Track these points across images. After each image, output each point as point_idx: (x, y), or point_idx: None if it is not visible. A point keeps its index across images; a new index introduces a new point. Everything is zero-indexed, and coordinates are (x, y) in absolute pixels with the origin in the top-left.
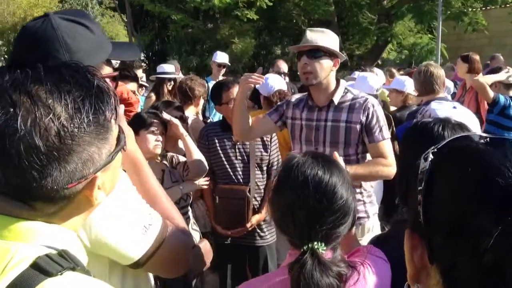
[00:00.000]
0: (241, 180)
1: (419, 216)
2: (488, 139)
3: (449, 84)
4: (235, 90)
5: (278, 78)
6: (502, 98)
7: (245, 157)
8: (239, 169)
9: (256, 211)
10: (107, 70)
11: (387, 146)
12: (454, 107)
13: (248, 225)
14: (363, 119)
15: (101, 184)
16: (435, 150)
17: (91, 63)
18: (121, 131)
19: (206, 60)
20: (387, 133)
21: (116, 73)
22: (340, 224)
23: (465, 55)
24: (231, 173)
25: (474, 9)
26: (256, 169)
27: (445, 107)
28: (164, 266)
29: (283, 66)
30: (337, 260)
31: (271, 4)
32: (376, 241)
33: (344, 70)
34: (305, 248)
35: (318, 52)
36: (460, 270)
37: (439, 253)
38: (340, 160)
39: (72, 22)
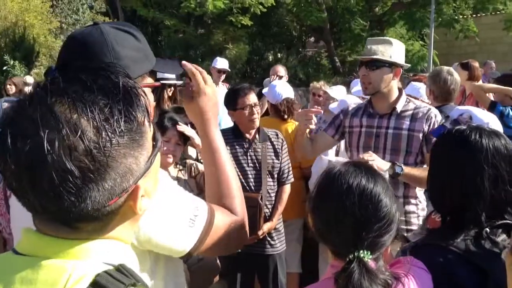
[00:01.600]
0: (252, 187)
1: None
2: None
3: None
4: (251, 96)
5: (286, 86)
6: (500, 106)
7: (257, 164)
8: (250, 176)
9: (267, 219)
10: (149, 81)
11: None
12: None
13: (260, 232)
14: (426, 128)
15: (144, 191)
16: None
17: (136, 72)
18: (155, 130)
19: (200, 65)
20: None
21: (158, 83)
22: (385, 232)
23: (465, 62)
24: (243, 180)
25: (465, 16)
26: (267, 176)
27: (482, 112)
28: (217, 249)
29: (282, 71)
30: (381, 269)
31: (265, 10)
32: (414, 250)
33: (338, 76)
34: (351, 257)
35: (376, 63)
36: None
37: None
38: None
39: (120, 30)
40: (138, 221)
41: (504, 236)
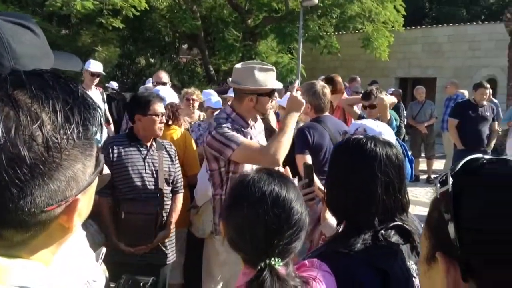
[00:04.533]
0: (149, 194)
1: (449, 238)
2: (493, 159)
3: None
4: (162, 105)
5: (170, 91)
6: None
7: (154, 171)
8: (147, 183)
9: (162, 228)
10: None
11: None
12: (377, 125)
13: (155, 241)
14: None
15: (79, 209)
16: (452, 173)
17: None
18: (99, 150)
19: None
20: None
21: None
22: (296, 239)
23: (330, 77)
24: (140, 187)
25: (329, 33)
26: (164, 184)
27: (375, 124)
28: None
29: (165, 77)
30: (291, 275)
31: (137, 13)
32: (320, 255)
33: (212, 84)
34: (262, 264)
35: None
36: (506, 282)
37: (481, 268)
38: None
39: (17, 24)
40: (60, 247)
41: (396, 237)
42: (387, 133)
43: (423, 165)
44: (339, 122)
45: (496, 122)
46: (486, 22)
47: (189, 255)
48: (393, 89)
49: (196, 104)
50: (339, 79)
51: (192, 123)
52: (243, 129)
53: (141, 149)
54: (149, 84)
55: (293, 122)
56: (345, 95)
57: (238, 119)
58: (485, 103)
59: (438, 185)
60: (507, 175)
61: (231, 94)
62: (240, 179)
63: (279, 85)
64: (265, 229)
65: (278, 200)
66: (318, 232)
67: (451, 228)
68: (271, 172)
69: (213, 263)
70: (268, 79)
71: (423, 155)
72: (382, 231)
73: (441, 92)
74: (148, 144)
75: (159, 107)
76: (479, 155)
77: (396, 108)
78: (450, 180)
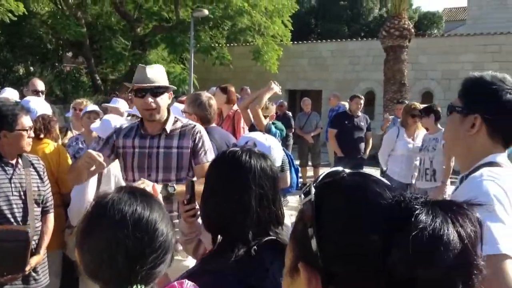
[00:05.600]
0: (19, 219)
1: (311, 249)
2: (350, 172)
3: None
4: (29, 118)
5: (40, 101)
6: (272, 127)
7: (22, 192)
8: (15, 206)
9: (34, 252)
10: None
11: None
12: (266, 138)
13: (27, 268)
14: (191, 143)
15: None
16: (314, 184)
17: None
18: None
19: None
20: (211, 157)
21: None
22: (161, 262)
23: (224, 86)
24: (7, 212)
25: (221, 45)
26: (34, 205)
27: (264, 137)
28: None
29: (40, 85)
30: None
31: (15, 19)
32: (192, 275)
33: (99, 94)
34: None
35: (160, 89)
36: None
37: (341, 278)
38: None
39: None
40: None
41: (269, 251)
42: (276, 147)
43: (310, 173)
44: (226, 134)
45: (370, 132)
46: (365, 39)
47: (65, 278)
48: (280, 101)
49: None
50: (233, 89)
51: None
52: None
53: (6, 168)
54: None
55: None
56: (235, 107)
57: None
58: (359, 113)
59: (302, 196)
60: (363, 189)
61: (113, 103)
62: (97, 199)
63: (148, 82)
64: (126, 255)
65: (141, 222)
66: (203, 248)
67: (313, 239)
68: (133, 191)
69: (91, 286)
70: (138, 77)
71: (310, 163)
72: (255, 247)
73: (326, 104)
74: (14, 161)
75: (27, 121)
76: (339, 168)
77: (285, 118)
78: (313, 191)
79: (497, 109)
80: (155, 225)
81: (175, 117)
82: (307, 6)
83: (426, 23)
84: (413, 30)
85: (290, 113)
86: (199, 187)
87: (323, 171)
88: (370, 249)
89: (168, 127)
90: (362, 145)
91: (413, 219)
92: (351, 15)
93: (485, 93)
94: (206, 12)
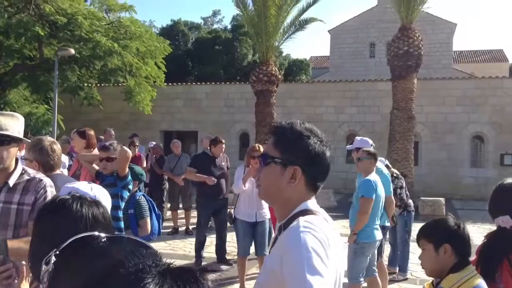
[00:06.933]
0: None
1: None
2: (107, 237)
3: (64, 158)
4: None
5: None
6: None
7: None
8: None
9: None
10: None
11: None
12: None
13: None
14: (33, 199)
15: None
16: (58, 252)
17: None
18: None
19: None
20: None
21: None
22: None
23: (82, 131)
24: None
25: (90, 85)
26: None
27: (89, 187)
28: None
29: None
30: None
31: None
32: None
33: None
34: None
35: (7, 137)
36: None
37: None
38: None
39: None
40: None
41: None
42: (102, 195)
43: (182, 215)
44: (72, 181)
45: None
46: (238, 83)
47: None
48: (154, 143)
49: None
50: (92, 132)
51: None
52: None
53: None
54: None
55: None
56: (96, 151)
57: None
58: (221, 154)
59: (44, 265)
60: (105, 257)
61: None
62: None
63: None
64: None
65: None
66: None
67: None
68: None
69: None
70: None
71: (181, 206)
72: None
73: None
74: None
75: None
76: (96, 233)
77: (161, 161)
78: (53, 259)
79: (312, 160)
80: None
81: (22, 169)
82: (183, 48)
83: (295, 69)
84: (280, 76)
85: (165, 157)
86: (22, 245)
87: (195, 214)
88: None
89: (12, 180)
90: (224, 185)
91: None
92: (226, 59)
93: (301, 146)
94: (72, 51)
